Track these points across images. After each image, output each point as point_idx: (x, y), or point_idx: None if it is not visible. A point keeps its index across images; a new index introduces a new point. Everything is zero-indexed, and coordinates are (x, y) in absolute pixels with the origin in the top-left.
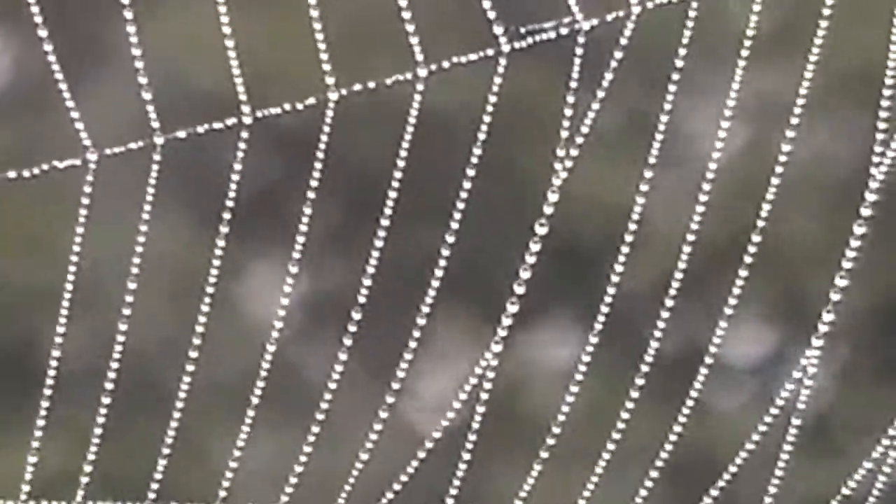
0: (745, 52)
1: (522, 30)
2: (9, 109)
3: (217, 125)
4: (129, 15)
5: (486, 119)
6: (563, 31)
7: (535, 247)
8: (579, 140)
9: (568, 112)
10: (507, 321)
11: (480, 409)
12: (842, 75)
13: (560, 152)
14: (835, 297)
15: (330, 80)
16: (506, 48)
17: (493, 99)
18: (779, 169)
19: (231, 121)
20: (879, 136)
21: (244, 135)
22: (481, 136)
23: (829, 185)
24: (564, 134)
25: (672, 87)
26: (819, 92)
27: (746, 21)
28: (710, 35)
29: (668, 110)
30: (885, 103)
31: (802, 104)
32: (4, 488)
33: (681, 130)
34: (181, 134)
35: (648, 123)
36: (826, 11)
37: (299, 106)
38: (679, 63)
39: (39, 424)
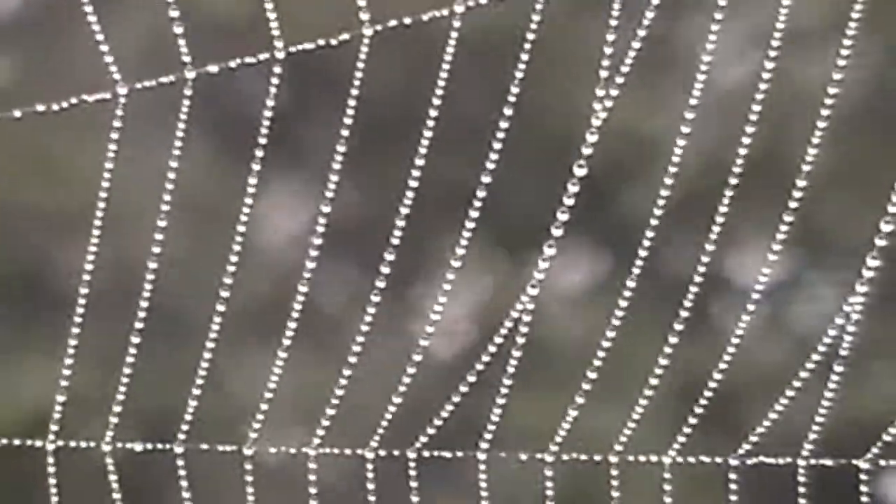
0: None
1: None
2: (36, 38)
3: (250, 60)
4: None
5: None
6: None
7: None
8: (619, 80)
9: (608, 50)
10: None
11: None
12: (853, 2)
13: (599, 91)
14: (879, 237)
15: (365, 16)
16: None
17: (530, 36)
18: (794, 95)
19: (264, 56)
20: None
21: (276, 69)
22: (517, 72)
23: (844, 113)
24: (604, 74)
25: (686, 17)
26: (832, 20)
27: None
28: None
29: (683, 37)
30: None
31: (816, 32)
32: (27, 421)
33: (694, 57)
34: (213, 69)
35: (662, 50)
36: None
37: (333, 42)
38: None
39: (68, 351)
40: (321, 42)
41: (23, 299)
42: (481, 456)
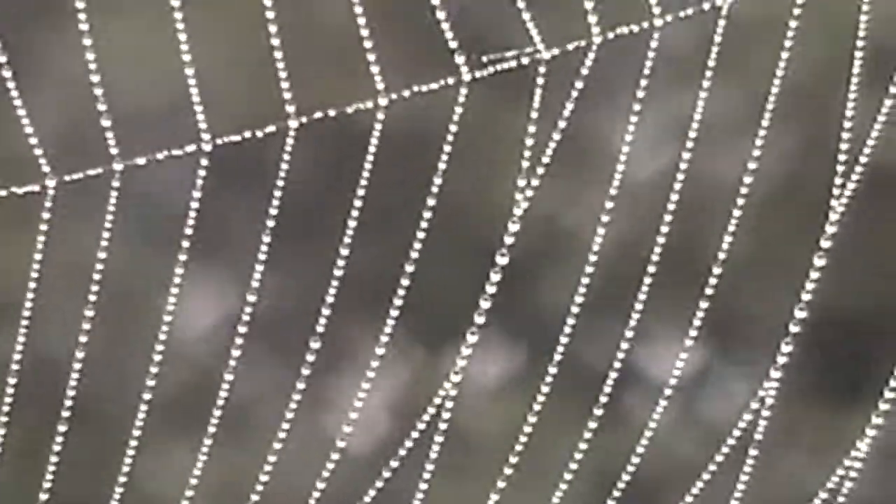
0: (672, 76)
1: (484, 59)
2: None
3: (177, 152)
4: (87, 41)
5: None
6: (524, 60)
7: (478, 266)
8: (540, 170)
9: (529, 142)
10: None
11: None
12: (766, 95)
13: (521, 182)
14: (793, 323)
15: (290, 108)
16: (467, 77)
17: (453, 128)
18: (708, 188)
19: (190, 147)
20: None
21: (203, 161)
22: (439, 164)
23: (758, 203)
24: (525, 164)
25: (603, 110)
26: (745, 112)
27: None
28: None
29: (599, 131)
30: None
31: (730, 125)
32: None
33: (612, 150)
34: (140, 160)
35: (579, 143)
36: (748, 34)
37: (259, 133)
38: (613, 89)
39: None
40: (247, 134)
41: None
42: None
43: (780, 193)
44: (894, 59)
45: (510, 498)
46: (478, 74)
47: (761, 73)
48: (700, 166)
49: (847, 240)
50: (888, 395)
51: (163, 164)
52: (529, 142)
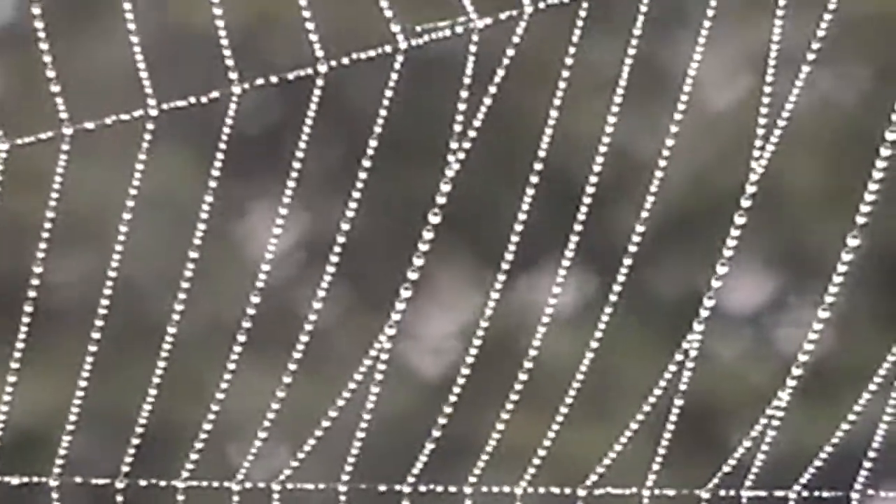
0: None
1: (418, 28)
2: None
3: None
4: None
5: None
6: (458, 29)
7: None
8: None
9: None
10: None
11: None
12: (845, 27)
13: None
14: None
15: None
16: (402, 45)
17: (510, 52)
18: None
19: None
20: None
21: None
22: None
23: (831, 136)
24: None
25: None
26: (823, 43)
27: None
28: None
29: (674, 58)
30: None
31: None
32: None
33: (686, 78)
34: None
35: (653, 70)
36: None
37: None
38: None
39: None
40: (276, 77)
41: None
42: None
43: (853, 128)
44: None
45: (578, 423)
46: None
47: (834, 4)
48: (773, 97)
49: None
50: None
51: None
52: (605, 72)
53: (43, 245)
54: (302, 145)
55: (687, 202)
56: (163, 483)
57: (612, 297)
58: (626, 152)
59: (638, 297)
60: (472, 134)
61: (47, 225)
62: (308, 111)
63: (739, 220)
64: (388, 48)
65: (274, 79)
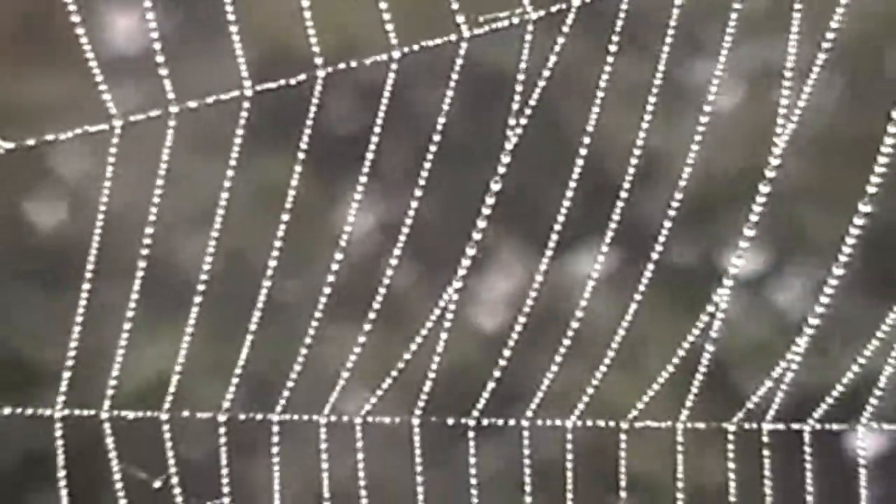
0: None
1: (480, 18)
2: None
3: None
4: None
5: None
6: (515, 20)
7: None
8: (610, 97)
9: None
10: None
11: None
12: (838, 39)
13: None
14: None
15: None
16: (466, 34)
17: (552, 59)
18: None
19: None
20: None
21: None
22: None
23: (819, 134)
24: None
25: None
26: (813, 54)
27: None
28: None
29: (684, 70)
30: None
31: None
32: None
33: (697, 86)
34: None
35: (670, 81)
36: None
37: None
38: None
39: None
40: (353, 63)
41: (153, 285)
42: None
43: (837, 126)
44: None
45: (610, 377)
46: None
47: (822, 27)
48: (766, 103)
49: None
50: None
51: (292, 93)
52: (633, 83)
53: (163, 227)
54: (378, 144)
55: (700, 192)
56: (259, 416)
57: (640, 269)
58: (650, 150)
59: (660, 268)
60: (519, 132)
61: (169, 210)
62: (379, 113)
63: (757, 207)
64: (452, 37)
65: (353, 63)
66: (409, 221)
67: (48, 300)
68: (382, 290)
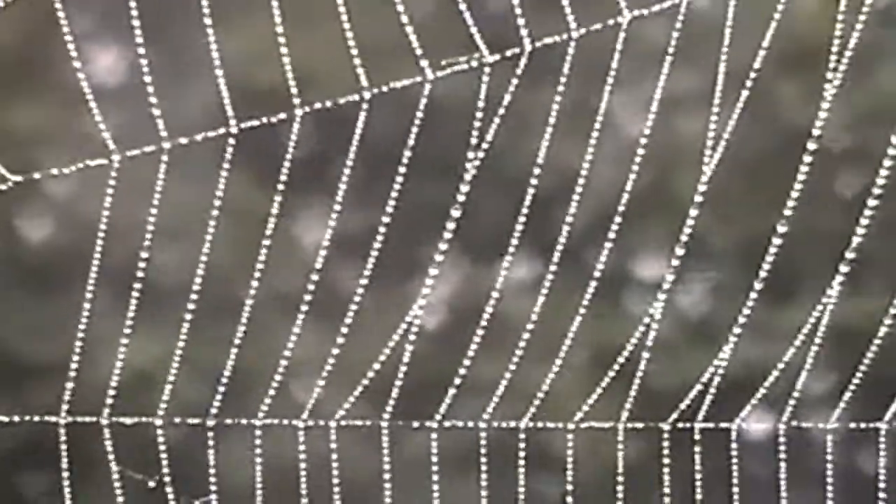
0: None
1: (443, 62)
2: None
3: (280, 116)
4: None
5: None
6: (473, 63)
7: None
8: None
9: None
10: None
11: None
12: (720, 77)
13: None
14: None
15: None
16: (430, 76)
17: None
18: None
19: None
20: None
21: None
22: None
23: (721, 156)
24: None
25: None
26: (712, 84)
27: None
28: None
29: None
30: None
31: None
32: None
33: (613, 119)
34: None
35: (588, 114)
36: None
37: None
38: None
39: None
40: (328, 103)
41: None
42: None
43: (735, 149)
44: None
45: (534, 366)
46: (438, 74)
47: (717, 60)
48: (671, 130)
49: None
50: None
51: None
52: (554, 114)
53: (149, 238)
54: (340, 167)
55: (607, 205)
56: (244, 421)
57: (558, 274)
58: (571, 170)
59: (574, 272)
60: (476, 163)
61: (153, 224)
62: (343, 138)
63: (690, 220)
64: (417, 78)
65: (328, 103)
66: (361, 233)
67: (36, 305)
68: (339, 296)
